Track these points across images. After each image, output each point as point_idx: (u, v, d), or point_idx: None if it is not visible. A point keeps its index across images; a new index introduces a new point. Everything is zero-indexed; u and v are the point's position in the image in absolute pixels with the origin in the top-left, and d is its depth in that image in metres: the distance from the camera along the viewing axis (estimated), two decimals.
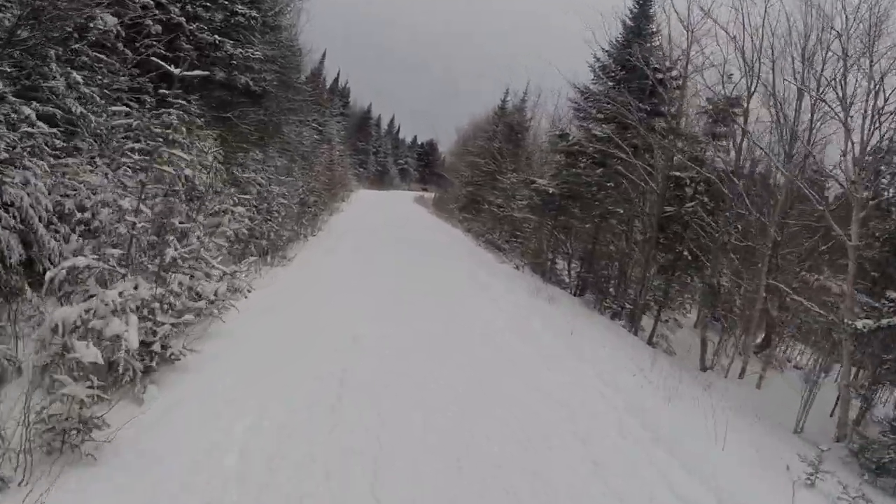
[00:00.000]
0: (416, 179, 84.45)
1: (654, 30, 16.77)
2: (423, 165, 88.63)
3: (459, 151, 45.79)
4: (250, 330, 6.12)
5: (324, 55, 48.18)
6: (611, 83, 17.65)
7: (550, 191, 16.95)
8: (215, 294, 5.14)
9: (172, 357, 4.32)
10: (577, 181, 16.92)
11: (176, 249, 4.54)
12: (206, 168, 9.85)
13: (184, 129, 10.38)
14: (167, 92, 5.20)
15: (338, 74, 60.28)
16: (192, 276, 4.85)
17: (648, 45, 16.66)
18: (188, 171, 6.11)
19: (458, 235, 27.04)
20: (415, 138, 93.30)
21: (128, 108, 6.35)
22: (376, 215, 30.19)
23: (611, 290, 16.55)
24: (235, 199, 8.56)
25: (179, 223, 5.16)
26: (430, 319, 9.05)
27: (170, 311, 4.24)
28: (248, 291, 6.58)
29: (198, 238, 5.67)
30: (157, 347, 4.15)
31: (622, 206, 15.72)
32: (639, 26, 17.50)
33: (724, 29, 12.61)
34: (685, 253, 13.31)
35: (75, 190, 6.85)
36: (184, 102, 12.20)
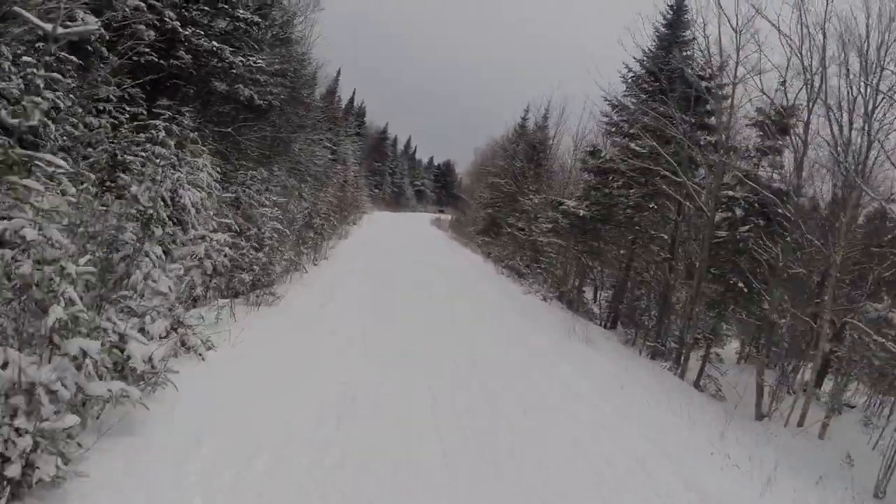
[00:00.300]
0: (433, 201, 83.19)
1: (692, 36, 15.34)
2: (440, 187, 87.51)
3: (477, 172, 44.71)
4: (198, 399, 4.35)
5: (338, 73, 47.48)
6: (644, 95, 16.23)
7: (581, 213, 15.36)
8: (149, 361, 3.58)
9: (41, 482, 2.75)
10: (610, 202, 15.42)
11: (69, 306, 3.01)
12: (197, 187, 8.59)
13: (171, 143, 9.15)
14: (34, 60, 3.85)
15: (353, 93, 59.71)
16: (106, 339, 3.32)
17: (686, 52, 15.26)
18: (134, 188, 4.74)
19: (478, 261, 25.43)
20: (431, 159, 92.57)
21: None
22: (391, 238, 28.68)
23: (647, 322, 14.88)
24: (214, 223, 7.13)
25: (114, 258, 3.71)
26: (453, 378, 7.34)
27: (42, 410, 2.65)
28: (207, 350, 4.99)
29: (145, 277, 4.24)
30: (13, 471, 2.59)
31: (663, 229, 14.13)
32: (674, 33, 16.14)
33: (785, 32, 11.06)
34: (739, 284, 11.60)
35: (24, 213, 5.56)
36: (174, 115, 10.96)
